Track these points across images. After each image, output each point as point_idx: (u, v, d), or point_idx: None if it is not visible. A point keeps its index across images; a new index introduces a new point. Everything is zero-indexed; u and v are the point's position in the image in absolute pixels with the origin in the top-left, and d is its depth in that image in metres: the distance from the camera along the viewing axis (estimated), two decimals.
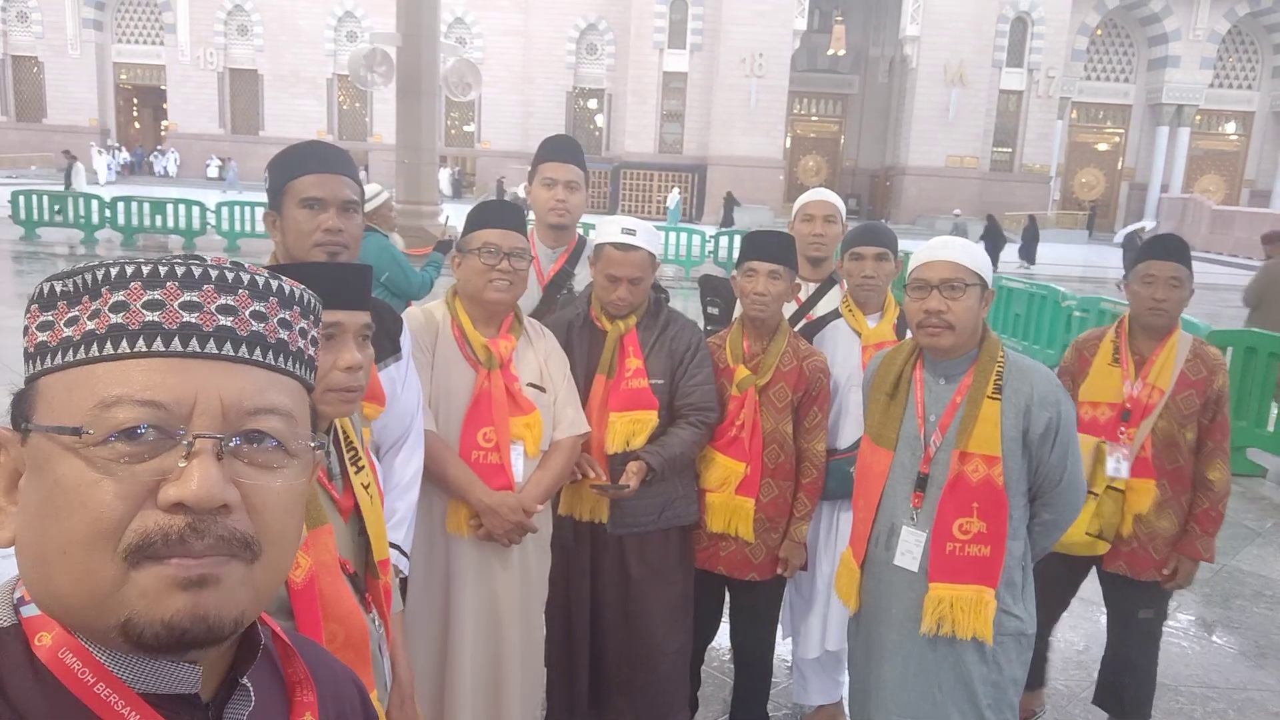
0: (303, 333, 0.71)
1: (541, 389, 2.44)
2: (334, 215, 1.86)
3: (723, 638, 3.17)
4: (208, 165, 37.52)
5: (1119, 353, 2.88)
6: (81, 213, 17.35)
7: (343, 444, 1.61)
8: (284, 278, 0.71)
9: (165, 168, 37.26)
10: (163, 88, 39.57)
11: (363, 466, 1.63)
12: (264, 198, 2.05)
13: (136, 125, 42.18)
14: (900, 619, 2.20)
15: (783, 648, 3.34)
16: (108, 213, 17.37)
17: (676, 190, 32.50)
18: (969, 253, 2.16)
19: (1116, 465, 2.81)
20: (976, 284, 2.13)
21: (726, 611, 3.01)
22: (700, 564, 2.82)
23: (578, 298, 2.85)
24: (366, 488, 1.61)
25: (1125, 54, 39.03)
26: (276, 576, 0.68)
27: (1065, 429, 2.11)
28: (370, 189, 5.94)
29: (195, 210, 17.41)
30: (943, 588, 2.11)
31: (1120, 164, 39.89)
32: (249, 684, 0.69)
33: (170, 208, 17.45)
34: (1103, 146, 40.12)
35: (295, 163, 1.90)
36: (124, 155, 37.16)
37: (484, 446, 2.33)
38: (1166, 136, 38.20)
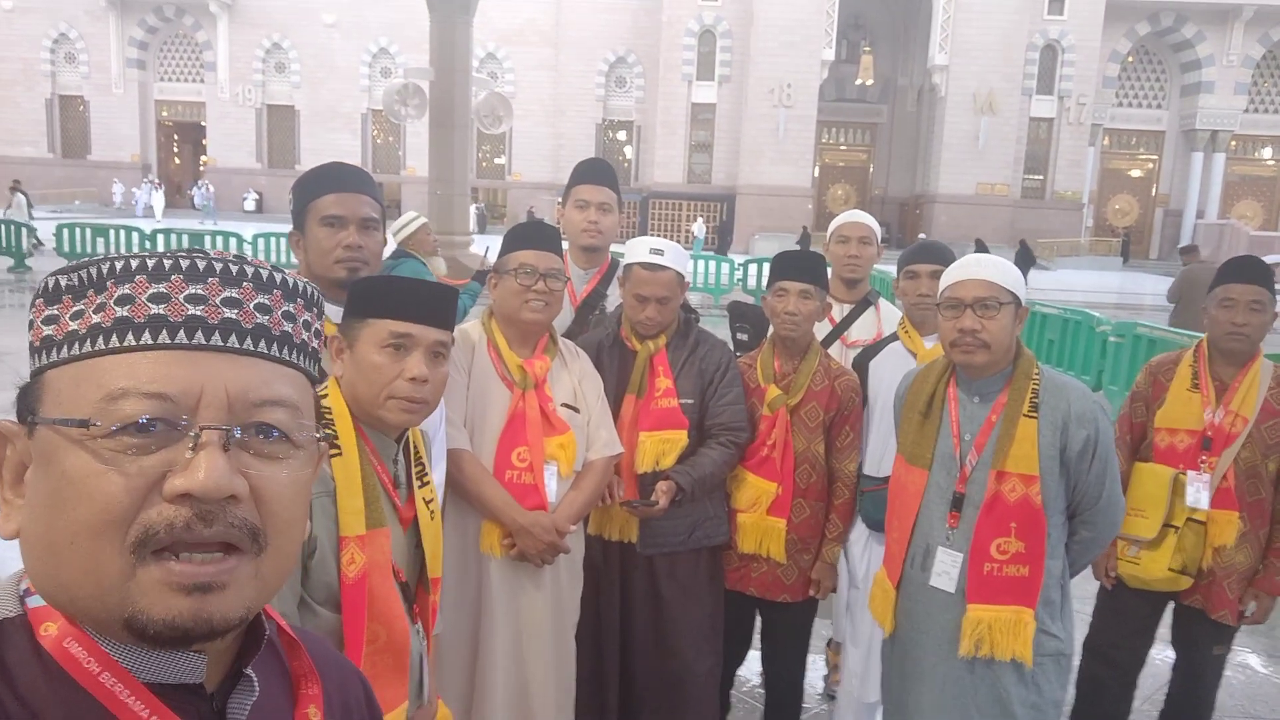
0: (306, 325, 0.72)
1: (575, 409, 2.44)
2: (354, 232, 1.92)
3: (752, 663, 3.13)
4: (244, 198, 38.29)
5: (1198, 378, 2.76)
6: (124, 246, 17.77)
7: (412, 456, 1.65)
8: (287, 270, 0.71)
9: (203, 202, 38.06)
10: (202, 124, 40.56)
11: (427, 482, 1.66)
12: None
13: (177, 160, 43.20)
14: (937, 641, 2.16)
15: (813, 674, 3.29)
16: (148, 245, 17.76)
17: (701, 220, 32.66)
18: (1001, 270, 2.13)
19: (1196, 495, 2.68)
20: (1010, 302, 2.10)
21: (756, 637, 2.98)
22: (731, 585, 2.79)
23: (608, 318, 2.86)
24: (429, 503, 1.64)
25: (1158, 80, 38.73)
26: (283, 568, 0.68)
27: (1104, 446, 2.07)
28: (406, 215, 6.04)
29: (232, 242, 17.81)
30: (981, 609, 2.07)
31: (1154, 190, 39.44)
32: (253, 674, 0.69)
33: (208, 239, 17.87)
34: (1136, 173, 39.71)
35: (316, 183, 1.96)
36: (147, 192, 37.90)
37: (518, 466, 2.34)
38: (1201, 162, 37.73)
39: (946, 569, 2.12)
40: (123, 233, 17.98)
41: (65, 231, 17.73)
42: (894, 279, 2.99)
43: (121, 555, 0.60)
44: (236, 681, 0.69)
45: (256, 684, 0.69)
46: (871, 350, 2.97)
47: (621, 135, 39.71)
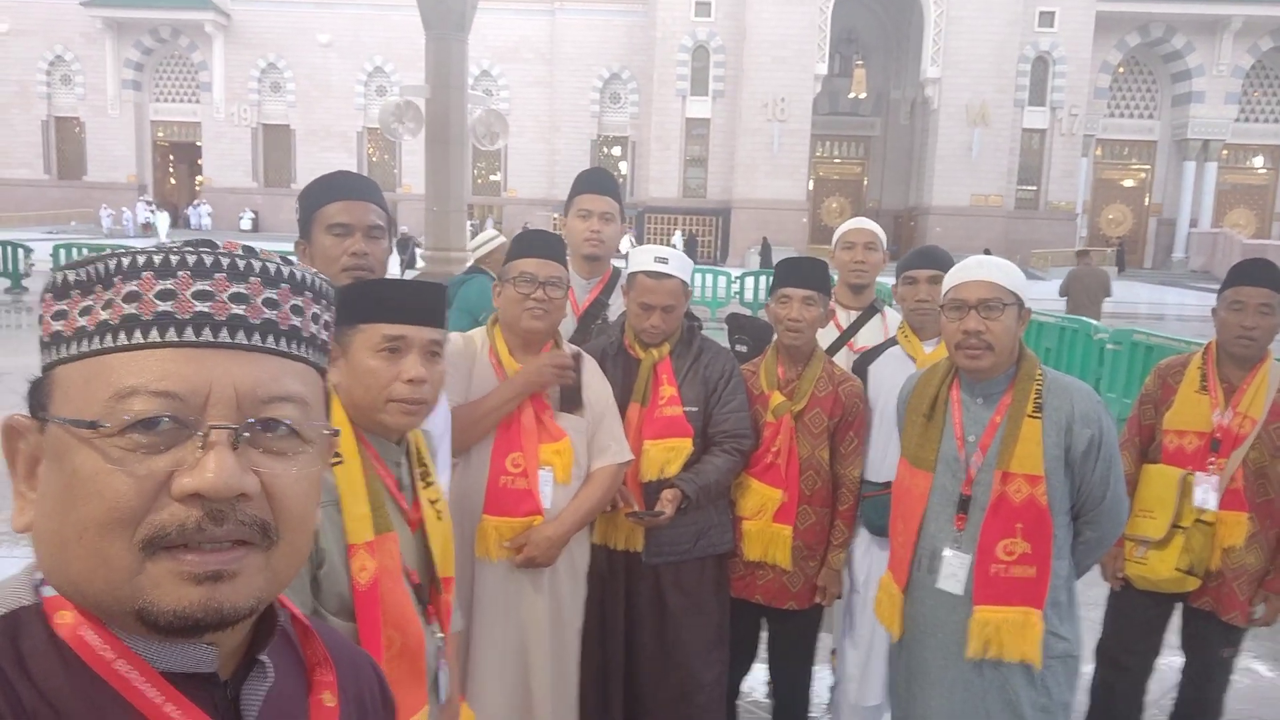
0: (315, 318, 0.71)
1: (572, 412, 2.44)
2: (360, 240, 1.93)
3: (758, 673, 3.12)
4: (240, 217, 38.31)
5: (1207, 380, 2.78)
6: None
7: (414, 459, 1.66)
8: (296, 263, 0.71)
9: (200, 221, 38.06)
10: (198, 144, 40.61)
11: (432, 483, 1.67)
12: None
13: (172, 181, 43.23)
14: (944, 644, 2.16)
15: (819, 684, 3.28)
16: None
17: (679, 233, 32.74)
18: (1004, 271, 2.14)
19: (1204, 496, 2.69)
20: (1014, 303, 2.11)
21: (762, 648, 2.97)
22: (737, 593, 2.78)
23: (611, 326, 2.87)
24: (434, 503, 1.64)
25: (1149, 90, 38.96)
26: (295, 561, 0.68)
27: (1107, 445, 2.08)
28: (486, 233, 6.09)
29: None
30: (988, 610, 2.07)
31: (1147, 200, 39.59)
32: (267, 661, 0.70)
33: None
34: (1129, 183, 39.88)
35: (323, 191, 1.97)
36: (142, 212, 37.77)
37: (511, 472, 2.34)
38: (1193, 171, 37.89)
39: (954, 571, 2.12)
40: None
41: (62, 252, 17.73)
42: (893, 285, 3.01)
43: (130, 551, 0.61)
44: (250, 669, 0.69)
45: (270, 671, 0.70)
46: (870, 355, 2.98)
47: (616, 150, 39.84)
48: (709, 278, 17.88)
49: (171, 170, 43.27)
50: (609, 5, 38.23)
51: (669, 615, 2.68)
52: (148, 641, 0.64)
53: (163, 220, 34.54)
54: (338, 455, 1.53)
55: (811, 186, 37.90)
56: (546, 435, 2.38)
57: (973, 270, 2.15)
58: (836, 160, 39.89)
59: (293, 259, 0.72)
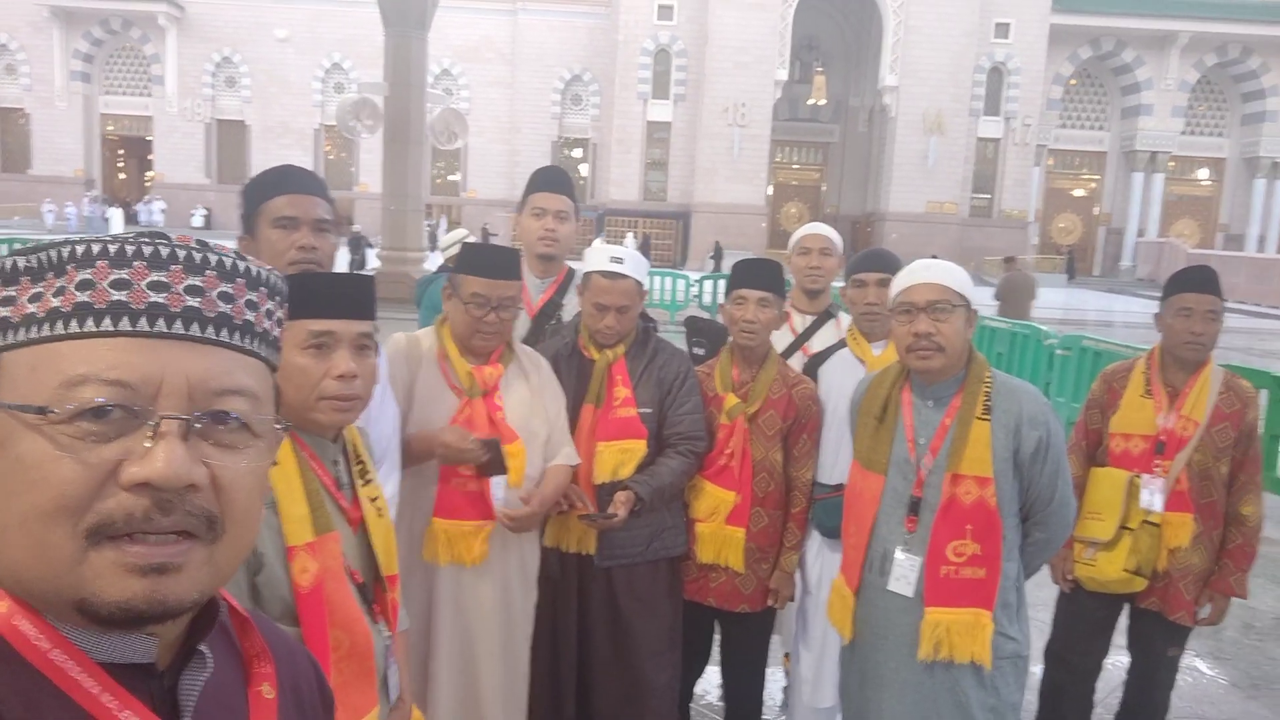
0: (269, 314, 0.72)
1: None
2: (307, 233, 1.89)
3: (710, 676, 3.11)
4: (192, 214, 37.54)
5: (1151, 384, 2.82)
6: None
7: (351, 456, 1.62)
8: (251, 259, 0.71)
9: (150, 218, 37.23)
10: (149, 138, 39.73)
11: (370, 480, 1.63)
12: None
13: (122, 175, 42.26)
14: (896, 646, 2.16)
15: (772, 686, 3.28)
16: None
17: (631, 235, 32.73)
18: (952, 275, 2.15)
19: (1150, 498, 2.73)
20: (962, 305, 2.13)
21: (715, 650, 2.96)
22: (690, 595, 2.77)
23: (565, 327, 2.84)
24: (374, 501, 1.61)
25: (1099, 103, 39.91)
26: (238, 555, 0.68)
27: (1055, 447, 2.10)
28: (455, 232, 6.03)
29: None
30: (939, 612, 2.08)
31: (1097, 209, 40.54)
32: (207, 651, 0.69)
33: None
34: (1079, 192, 40.80)
35: (268, 185, 1.93)
36: (87, 207, 36.75)
37: (463, 474, 2.30)
38: (1141, 182, 38.89)
39: (904, 573, 2.12)
40: None
41: (3, 247, 17.23)
42: (841, 287, 3.02)
43: (73, 540, 0.60)
44: (189, 659, 0.68)
45: (210, 661, 0.69)
46: (820, 357, 2.99)
47: (577, 153, 39.79)
48: (667, 281, 17.90)
49: (121, 165, 42.31)
50: (571, 6, 38.18)
51: (621, 618, 2.66)
52: (85, 632, 0.63)
53: (116, 216, 33.78)
54: None
55: (771, 191, 38.20)
56: (499, 438, 2.35)
57: (920, 273, 2.16)
58: (795, 166, 40.26)
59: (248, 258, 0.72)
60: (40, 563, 0.60)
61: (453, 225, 37.93)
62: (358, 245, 22.62)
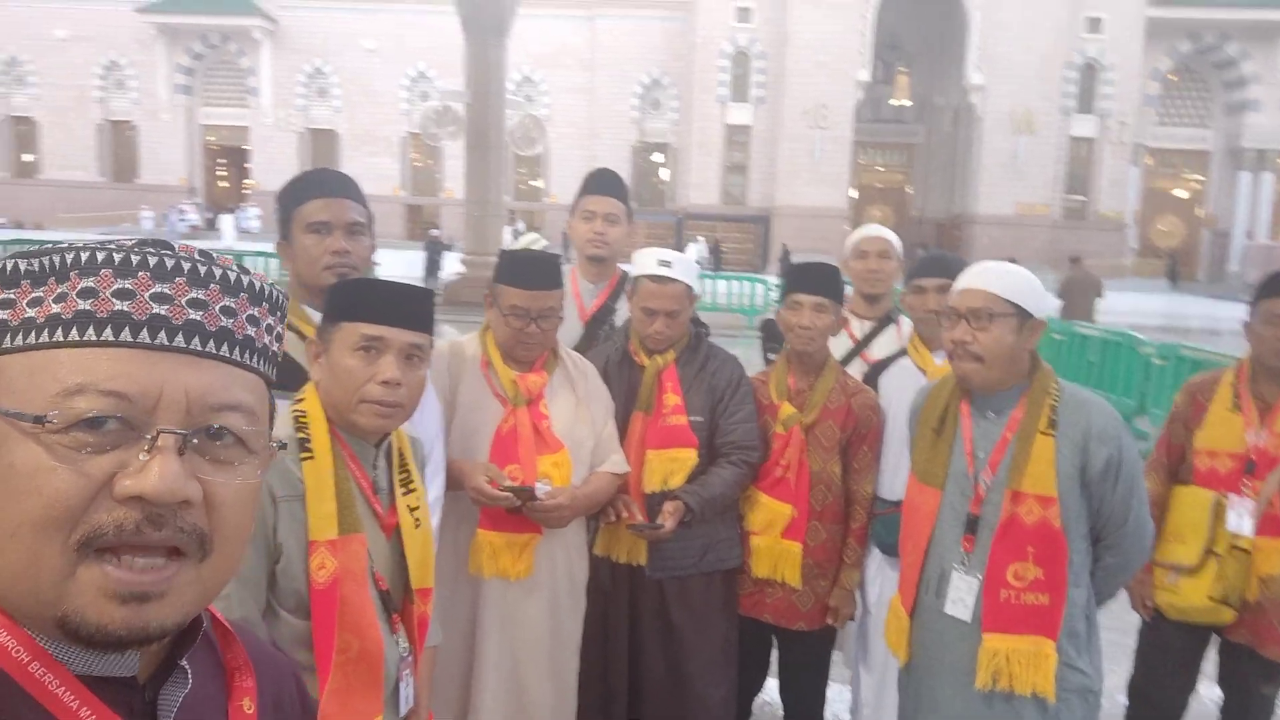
0: (269, 329, 0.71)
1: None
2: (340, 237, 1.90)
3: (769, 692, 3.01)
4: None
5: (1239, 398, 2.63)
6: None
7: (395, 462, 1.63)
8: (253, 273, 0.70)
9: (247, 224, 38.69)
10: (246, 148, 41.39)
11: (413, 489, 1.63)
12: None
13: (223, 184, 44.09)
14: (953, 672, 2.04)
15: (839, 706, 3.17)
16: None
17: (693, 241, 32.07)
18: (1004, 281, 2.01)
19: (1239, 521, 2.53)
20: (1010, 314, 1.98)
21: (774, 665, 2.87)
22: (745, 610, 2.69)
23: (616, 332, 2.80)
24: (413, 511, 1.61)
25: (1201, 99, 38.04)
26: (226, 573, 0.68)
27: (1128, 465, 1.95)
28: (529, 237, 6.14)
29: (273, 263, 18.07)
30: (998, 639, 1.95)
31: (1200, 211, 38.66)
32: (187, 665, 0.68)
33: (249, 261, 18.16)
34: (1181, 193, 38.95)
35: (300, 190, 1.95)
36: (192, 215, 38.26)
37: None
38: (1249, 182, 36.92)
39: (961, 595, 2.00)
40: None
41: None
42: (901, 293, 2.90)
43: (63, 553, 0.59)
44: (170, 673, 0.68)
45: (190, 675, 0.69)
46: (881, 366, 2.88)
47: (657, 157, 39.84)
48: (745, 285, 17.77)
49: (222, 174, 44.16)
50: (648, 11, 38.24)
51: (674, 632, 2.60)
52: (66, 645, 0.62)
53: (227, 222, 34.94)
54: (308, 450, 1.51)
55: (855, 194, 37.59)
56: (545, 447, 2.32)
57: (969, 278, 2.04)
58: (879, 168, 39.53)
59: (250, 269, 0.71)
60: (28, 574, 0.60)
61: (529, 230, 38.53)
62: (435, 249, 23.02)
